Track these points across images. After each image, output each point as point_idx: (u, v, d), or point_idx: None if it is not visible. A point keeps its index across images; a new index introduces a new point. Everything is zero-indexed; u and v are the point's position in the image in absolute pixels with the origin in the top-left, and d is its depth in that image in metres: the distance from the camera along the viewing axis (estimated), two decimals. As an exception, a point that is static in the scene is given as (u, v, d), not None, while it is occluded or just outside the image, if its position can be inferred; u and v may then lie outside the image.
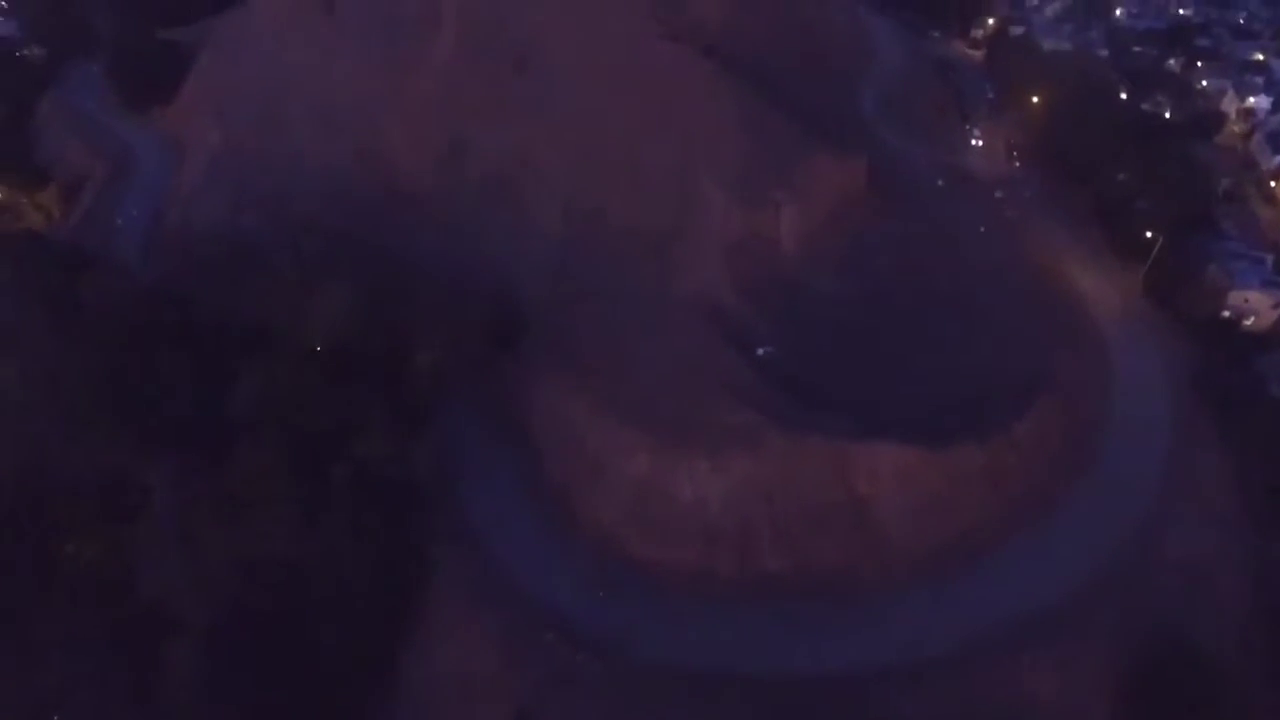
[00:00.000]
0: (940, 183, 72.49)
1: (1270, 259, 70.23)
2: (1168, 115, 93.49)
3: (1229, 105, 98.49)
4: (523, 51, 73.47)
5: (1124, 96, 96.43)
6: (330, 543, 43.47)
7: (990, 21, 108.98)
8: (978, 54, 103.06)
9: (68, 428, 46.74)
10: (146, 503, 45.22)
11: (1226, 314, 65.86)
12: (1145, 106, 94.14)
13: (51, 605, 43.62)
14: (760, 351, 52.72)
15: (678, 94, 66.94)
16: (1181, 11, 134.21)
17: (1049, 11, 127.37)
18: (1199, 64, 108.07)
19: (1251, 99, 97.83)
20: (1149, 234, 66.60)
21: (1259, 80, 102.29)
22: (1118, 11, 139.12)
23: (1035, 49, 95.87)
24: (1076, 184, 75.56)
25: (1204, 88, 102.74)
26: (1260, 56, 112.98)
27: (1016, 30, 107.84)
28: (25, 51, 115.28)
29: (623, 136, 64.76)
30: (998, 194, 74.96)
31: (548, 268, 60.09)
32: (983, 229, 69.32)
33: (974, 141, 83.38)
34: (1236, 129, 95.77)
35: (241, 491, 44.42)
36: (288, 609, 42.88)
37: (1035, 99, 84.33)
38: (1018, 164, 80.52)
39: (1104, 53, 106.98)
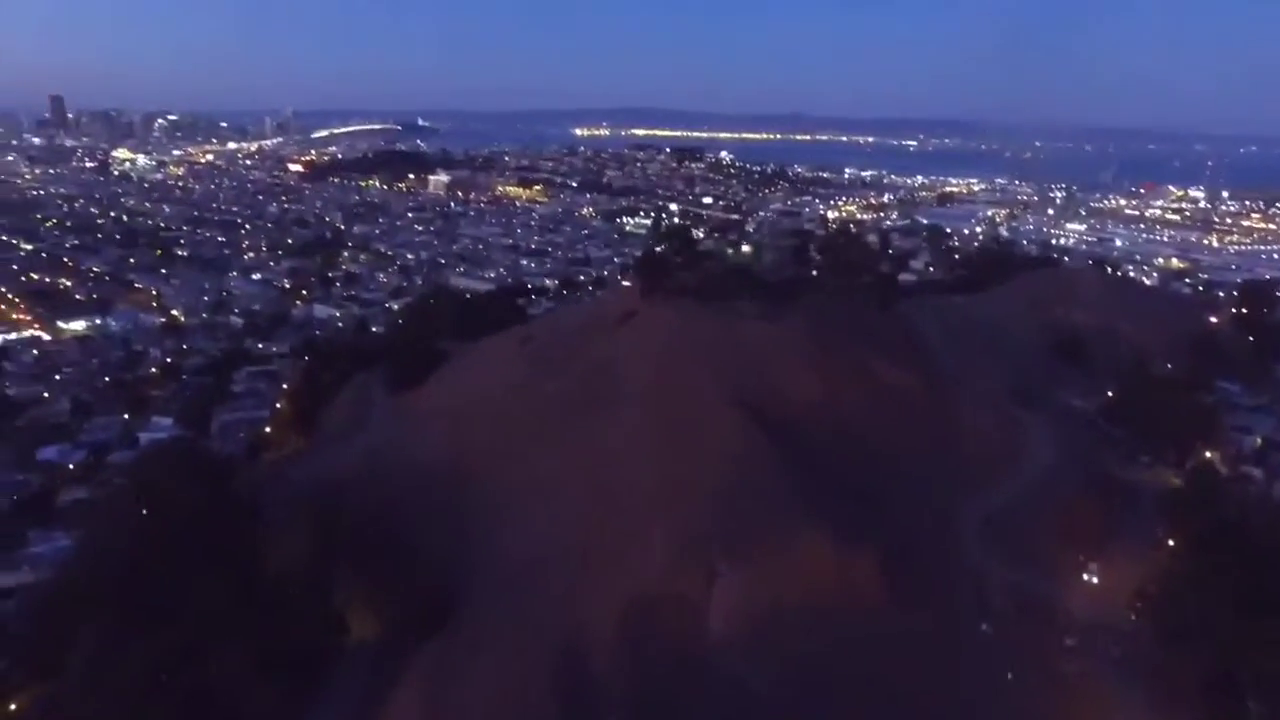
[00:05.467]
0: (985, 627, 61.38)
1: None
2: None
3: None
4: (612, 388, 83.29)
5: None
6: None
7: (1208, 454, 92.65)
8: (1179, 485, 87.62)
9: (75, 591, 60.32)
10: (67, 663, 54.90)
11: None
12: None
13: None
14: None
15: (699, 447, 69.80)
16: None
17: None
18: None
19: None
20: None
21: None
22: None
23: (1229, 490, 78.91)
24: (1192, 654, 58.02)
25: None
26: None
27: (1246, 470, 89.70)
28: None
29: (622, 470, 68.39)
30: (1068, 642, 60.60)
31: (497, 577, 63.04)
32: (1010, 676, 56.27)
33: (1088, 577, 69.49)
34: None
35: (126, 671, 52.10)
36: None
37: (1186, 544, 68.91)
38: (1132, 616, 64.63)
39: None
